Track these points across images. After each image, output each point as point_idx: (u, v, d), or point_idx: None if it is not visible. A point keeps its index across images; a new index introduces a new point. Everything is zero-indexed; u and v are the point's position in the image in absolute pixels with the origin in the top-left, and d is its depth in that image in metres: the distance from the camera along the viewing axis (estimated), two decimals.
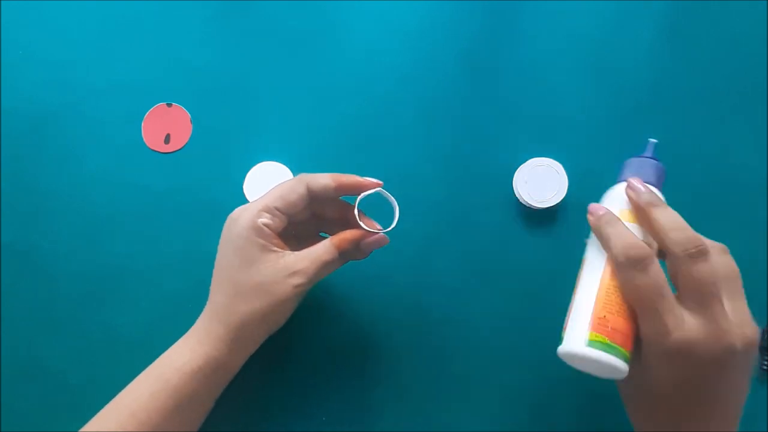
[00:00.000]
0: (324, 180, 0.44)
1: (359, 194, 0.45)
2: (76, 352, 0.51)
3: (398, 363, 0.51)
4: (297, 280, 0.42)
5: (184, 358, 0.43)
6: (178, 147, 0.54)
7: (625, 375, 0.38)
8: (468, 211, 0.53)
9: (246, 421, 0.50)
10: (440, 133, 0.55)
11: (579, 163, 0.54)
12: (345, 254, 0.44)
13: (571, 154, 0.54)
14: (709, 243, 0.38)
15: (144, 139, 0.54)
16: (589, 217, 0.41)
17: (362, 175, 0.51)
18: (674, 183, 0.55)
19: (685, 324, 0.35)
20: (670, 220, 0.38)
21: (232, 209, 0.53)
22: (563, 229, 0.54)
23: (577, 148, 0.55)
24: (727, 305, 0.36)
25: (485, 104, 0.56)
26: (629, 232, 0.38)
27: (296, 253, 0.43)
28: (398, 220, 0.50)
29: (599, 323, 0.38)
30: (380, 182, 0.45)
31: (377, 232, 0.45)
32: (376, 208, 0.47)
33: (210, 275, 0.49)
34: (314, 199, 0.44)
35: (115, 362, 0.51)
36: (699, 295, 0.35)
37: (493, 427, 0.50)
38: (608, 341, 0.37)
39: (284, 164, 0.54)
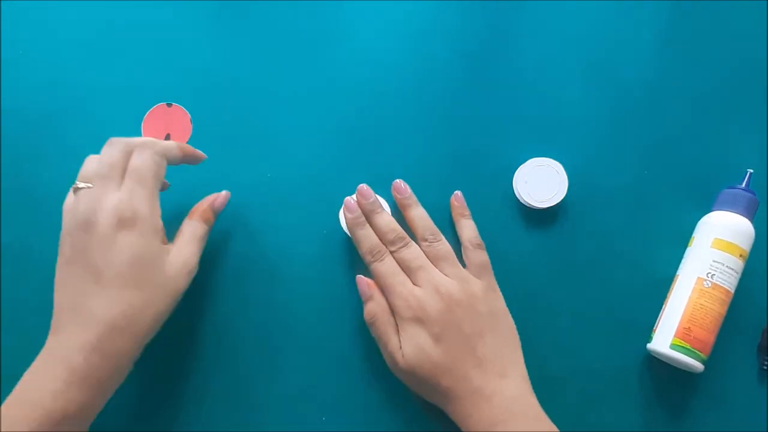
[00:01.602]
0: (174, 151, 0.46)
1: (194, 161, 0.49)
2: None
3: None
4: (189, 266, 0.45)
5: (78, 390, 0.39)
6: None
7: (699, 371, 0.48)
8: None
9: (246, 421, 0.50)
10: (440, 133, 0.55)
11: (579, 163, 0.54)
12: (211, 222, 0.49)
13: (571, 154, 0.54)
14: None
15: None
16: (346, 214, 0.49)
17: (362, 176, 0.51)
18: (674, 183, 0.55)
19: (415, 291, 0.47)
20: (418, 215, 0.50)
21: (232, 209, 0.53)
22: (563, 229, 0.54)
23: (577, 148, 0.55)
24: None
25: (485, 104, 0.56)
26: (371, 234, 0.49)
27: (176, 243, 0.45)
28: (397, 220, 0.50)
29: (684, 332, 0.48)
30: (204, 156, 0.49)
31: (221, 194, 0.50)
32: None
33: (210, 275, 0.49)
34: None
35: None
36: (412, 271, 0.47)
37: None
38: (689, 347, 0.48)
39: (283, 164, 0.54)
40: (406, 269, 0.47)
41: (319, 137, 0.55)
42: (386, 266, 0.47)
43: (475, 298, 0.46)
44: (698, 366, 0.48)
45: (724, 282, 0.48)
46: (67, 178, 0.53)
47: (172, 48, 0.56)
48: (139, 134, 0.55)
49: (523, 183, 0.53)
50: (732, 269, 0.49)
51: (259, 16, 0.57)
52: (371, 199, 0.49)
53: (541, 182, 0.53)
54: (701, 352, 0.48)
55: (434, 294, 0.45)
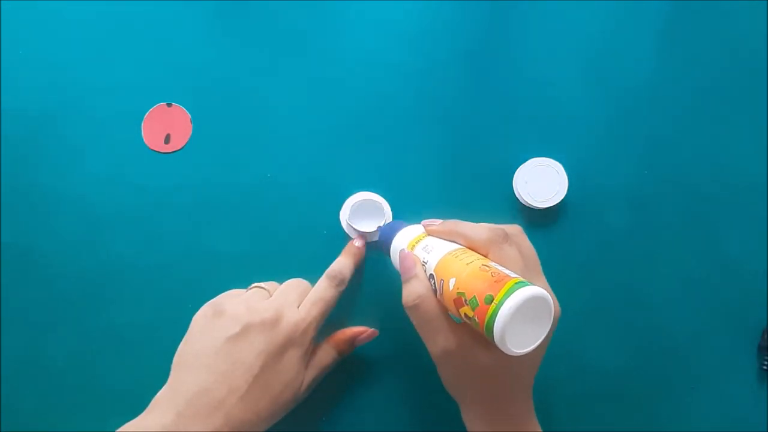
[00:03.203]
0: (348, 275, 0.48)
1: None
2: (76, 352, 0.51)
3: (398, 363, 0.51)
4: (305, 389, 0.45)
5: None
6: (178, 147, 0.54)
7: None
8: (468, 211, 0.53)
9: None
10: (440, 133, 0.55)
11: (579, 163, 0.54)
12: (342, 355, 0.48)
13: (571, 154, 0.54)
14: (507, 228, 0.43)
15: (144, 139, 0.54)
16: (429, 228, 0.45)
17: (362, 176, 0.51)
18: (674, 183, 0.55)
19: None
20: (474, 225, 0.43)
21: (232, 209, 0.53)
22: (563, 229, 0.54)
23: (577, 148, 0.55)
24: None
25: (485, 104, 0.56)
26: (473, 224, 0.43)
27: (311, 372, 0.45)
28: (399, 220, 0.50)
29: None
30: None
31: (367, 331, 0.49)
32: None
33: (210, 274, 0.49)
34: None
35: (115, 362, 0.51)
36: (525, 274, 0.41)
37: None
38: None
39: (283, 164, 0.54)
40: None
41: (319, 137, 0.55)
42: (515, 251, 0.42)
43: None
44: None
45: None
46: (67, 178, 0.54)
47: (172, 48, 0.56)
48: (139, 134, 0.54)
49: (523, 183, 0.53)
50: None
51: (258, 16, 0.57)
52: (443, 222, 0.46)
53: (541, 182, 0.53)
54: None
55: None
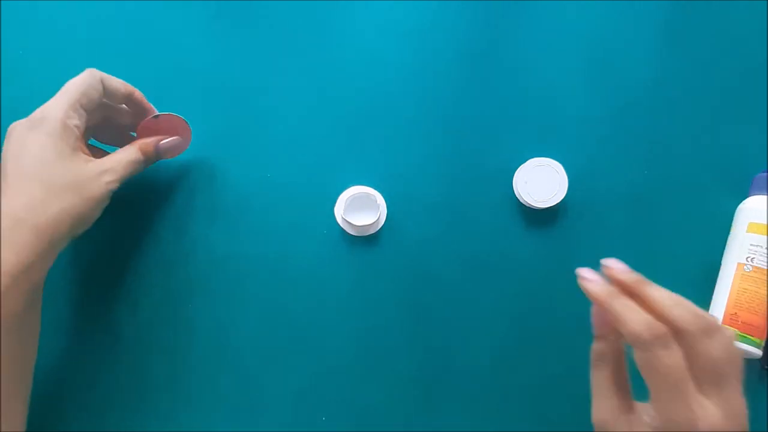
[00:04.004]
0: (116, 83, 0.46)
1: (146, 115, 0.49)
2: (76, 352, 0.51)
3: (398, 363, 0.51)
4: (109, 177, 0.44)
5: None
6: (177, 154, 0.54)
7: (758, 357, 0.48)
8: (468, 211, 0.53)
9: (246, 421, 0.50)
10: (440, 133, 0.55)
11: (579, 163, 0.54)
12: (149, 155, 0.48)
13: (571, 154, 0.54)
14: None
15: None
16: (587, 285, 0.38)
17: (362, 176, 0.51)
18: (674, 183, 0.55)
19: (709, 411, 0.34)
20: (668, 296, 0.36)
21: (231, 209, 0.53)
22: (563, 229, 0.54)
23: (577, 148, 0.55)
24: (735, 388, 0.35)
25: (485, 104, 0.55)
26: (638, 307, 0.36)
27: (104, 158, 0.45)
28: (397, 220, 0.50)
29: (731, 319, 0.49)
30: (154, 110, 0.49)
31: (172, 139, 0.50)
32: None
33: (210, 275, 0.49)
34: (107, 97, 0.47)
35: (115, 362, 0.51)
36: (716, 377, 0.34)
37: (493, 426, 0.50)
38: (739, 332, 0.48)
39: (283, 164, 0.54)
40: (702, 374, 0.34)
41: (319, 137, 0.55)
42: (675, 360, 0.34)
43: None
44: (752, 350, 0.48)
45: (764, 264, 0.49)
46: None
47: (172, 48, 0.56)
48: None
49: (523, 183, 0.53)
50: None
51: (258, 16, 0.57)
52: (628, 271, 0.38)
53: (541, 182, 0.53)
54: (753, 335, 0.48)
55: (734, 421, 0.34)
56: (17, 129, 0.43)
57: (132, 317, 0.51)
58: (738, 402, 0.34)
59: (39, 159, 0.42)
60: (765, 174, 0.52)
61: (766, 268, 0.49)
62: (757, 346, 0.48)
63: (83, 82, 0.45)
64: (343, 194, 0.52)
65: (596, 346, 0.38)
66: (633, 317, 0.35)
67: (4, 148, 0.43)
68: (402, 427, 0.50)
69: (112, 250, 0.53)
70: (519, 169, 0.53)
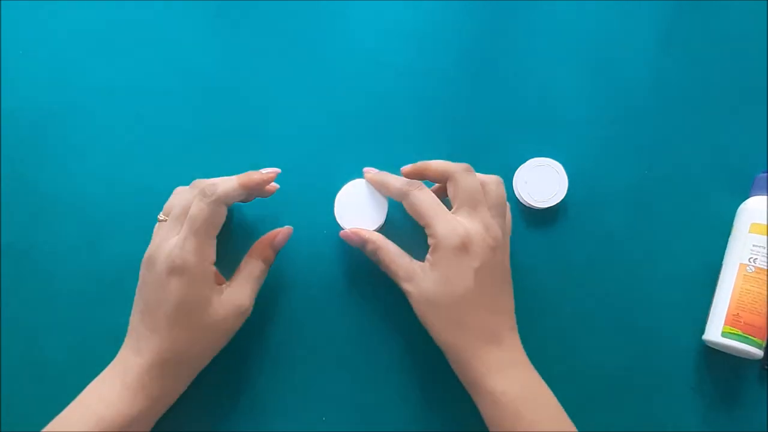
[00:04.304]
0: (234, 192, 0.46)
1: (264, 193, 0.50)
2: (76, 352, 0.51)
3: (398, 363, 0.51)
4: (244, 309, 0.46)
5: (125, 402, 0.43)
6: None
7: (758, 358, 0.49)
8: None
9: (246, 421, 0.50)
10: (440, 133, 0.55)
11: (579, 163, 0.54)
12: (267, 262, 0.49)
13: (571, 154, 0.54)
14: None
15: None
16: (366, 175, 0.49)
17: (362, 174, 0.51)
18: (674, 183, 0.55)
19: (462, 223, 0.45)
20: (439, 161, 0.48)
21: (231, 209, 0.52)
22: (563, 229, 0.54)
23: (577, 148, 0.55)
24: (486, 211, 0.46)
25: (485, 104, 0.56)
26: (398, 176, 0.48)
27: (232, 283, 0.47)
28: (397, 220, 0.50)
29: (733, 319, 0.49)
30: (277, 170, 0.49)
31: (281, 230, 0.49)
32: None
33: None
34: (230, 203, 0.47)
35: None
36: (468, 202, 0.45)
37: None
38: (741, 333, 0.48)
39: (283, 164, 0.54)
40: (457, 201, 0.46)
41: (319, 137, 0.55)
42: (428, 194, 0.46)
43: (503, 246, 0.46)
44: (754, 351, 0.48)
45: (766, 264, 0.49)
46: (67, 178, 0.54)
47: (172, 48, 0.56)
48: (139, 134, 0.54)
49: (523, 183, 0.53)
50: None
51: (258, 16, 0.57)
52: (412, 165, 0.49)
53: (541, 182, 0.53)
54: (755, 336, 0.48)
55: (483, 230, 0.44)
56: (157, 267, 0.44)
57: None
58: (487, 218, 0.45)
59: (181, 309, 0.44)
60: (766, 174, 0.52)
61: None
62: (758, 346, 0.48)
63: (209, 214, 0.44)
64: (342, 194, 0.52)
65: (368, 248, 0.48)
66: (396, 180, 0.48)
67: (144, 275, 0.45)
68: (402, 427, 0.50)
69: (112, 251, 0.53)
70: (519, 169, 0.53)
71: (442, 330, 0.45)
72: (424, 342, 0.50)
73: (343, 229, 0.50)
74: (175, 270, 0.44)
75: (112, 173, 0.54)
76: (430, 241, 0.46)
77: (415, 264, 0.46)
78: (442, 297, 0.44)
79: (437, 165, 0.48)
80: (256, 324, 0.51)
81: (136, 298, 0.46)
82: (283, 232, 0.49)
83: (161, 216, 0.47)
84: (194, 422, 0.50)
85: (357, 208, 0.50)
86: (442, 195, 0.49)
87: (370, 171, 0.50)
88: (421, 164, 0.48)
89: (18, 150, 0.54)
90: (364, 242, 0.48)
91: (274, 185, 0.50)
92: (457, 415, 0.50)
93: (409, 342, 0.51)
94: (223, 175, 0.53)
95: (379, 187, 0.49)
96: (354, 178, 0.51)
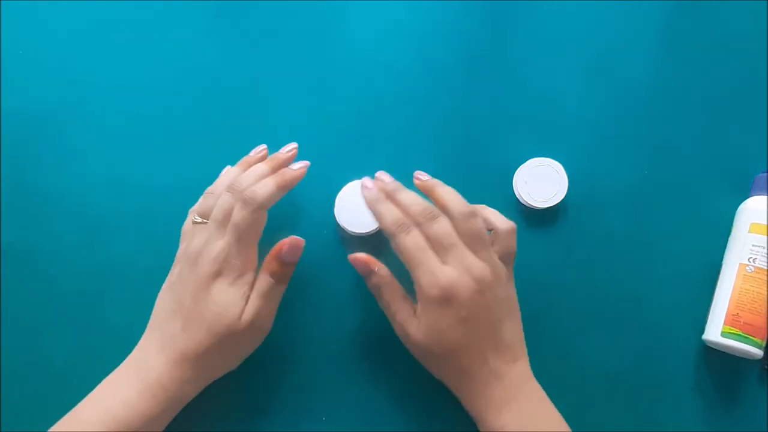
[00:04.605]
0: (275, 196, 0.45)
1: (293, 185, 0.47)
2: (76, 352, 0.51)
3: (398, 363, 0.51)
4: (259, 326, 0.46)
5: (145, 404, 0.43)
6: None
7: (758, 358, 0.49)
8: None
9: (246, 421, 0.50)
10: (440, 133, 0.55)
11: (579, 163, 0.54)
12: (277, 276, 0.46)
13: (571, 154, 0.54)
14: (456, 210, 0.45)
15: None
16: (364, 191, 0.47)
17: (362, 174, 0.51)
18: (674, 183, 0.55)
19: (446, 271, 0.43)
20: (410, 196, 0.46)
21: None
22: (563, 229, 0.54)
23: (577, 148, 0.55)
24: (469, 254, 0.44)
25: (485, 104, 0.56)
26: (393, 207, 0.46)
27: (249, 301, 0.45)
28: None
29: (732, 319, 0.49)
30: (307, 163, 0.48)
31: (286, 241, 0.47)
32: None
33: None
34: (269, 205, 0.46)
35: (115, 362, 0.50)
36: (448, 247, 0.44)
37: None
38: (741, 333, 0.48)
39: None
40: (437, 246, 0.44)
41: (319, 137, 0.55)
42: (414, 239, 0.44)
43: (501, 282, 0.45)
44: (754, 351, 0.48)
45: (766, 264, 0.49)
46: (67, 178, 0.54)
47: (172, 48, 0.56)
48: (139, 133, 0.54)
49: (523, 183, 0.53)
50: None
51: (258, 16, 0.57)
52: (391, 181, 0.47)
53: (541, 182, 0.53)
54: (754, 336, 0.48)
55: (466, 276, 0.43)
56: (204, 267, 0.44)
57: (132, 317, 0.51)
58: (472, 262, 0.43)
59: (217, 314, 0.44)
60: (765, 174, 0.52)
61: (767, 268, 0.49)
62: (758, 346, 0.48)
63: (253, 222, 0.44)
64: (342, 194, 0.52)
65: (372, 281, 0.47)
66: (387, 215, 0.45)
67: (187, 273, 0.45)
68: (402, 427, 0.50)
69: (112, 251, 0.53)
70: (519, 169, 0.53)
71: (439, 373, 0.47)
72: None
73: (343, 228, 0.50)
74: (221, 274, 0.44)
75: (112, 173, 0.54)
76: (415, 287, 0.45)
77: (412, 310, 0.46)
78: (435, 348, 0.44)
79: (441, 194, 0.46)
80: None
81: (165, 295, 0.46)
82: (287, 243, 0.47)
83: (197, 218, 0.47)
84: (194, 422, 0.50)
85: (357, 209, 0.49)
86: None
87: (367, 187, 0.47)
88: (430, 184, 0.47)
89: (18, 150, 0.54)
90: (370, 273, 0.47)
91: (304, 168, 0.48)
92: (456, 415, 0.50)
93: None
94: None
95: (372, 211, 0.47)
96: (354, 179, 0.51)
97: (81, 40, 0.56)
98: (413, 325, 0.45)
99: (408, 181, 0.52)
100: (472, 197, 0.52)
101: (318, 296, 0.52)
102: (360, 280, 0.52)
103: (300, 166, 0.48)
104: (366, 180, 0.47)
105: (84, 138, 0.54)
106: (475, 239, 0.44)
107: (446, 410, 0.50)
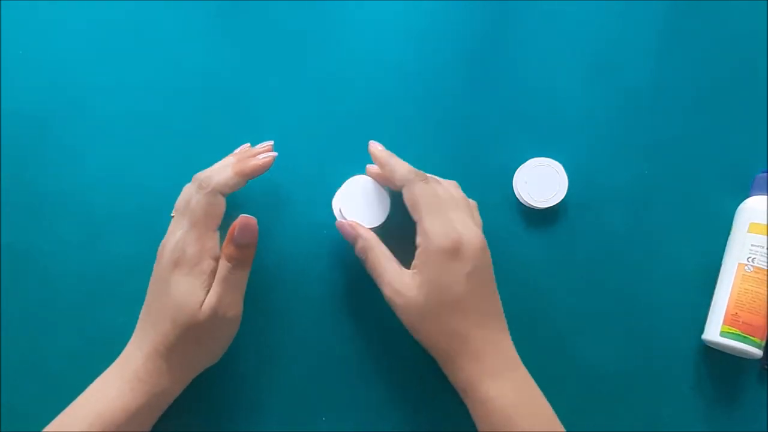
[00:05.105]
0: (231, 181, 0.46)
1: (260, 173, 0.47)
2: (76, 352, 0.51)
3: (398, 363, 0.51)
4: (221, 314, 0.44)
5: (124, 398, 0.43)
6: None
7: (757, 357, 0.49)
8: None
9: (246, 421, 0.50)
10: (440, 133, 0.55)
11: (579, 163, 0.54)
12: (234, 260, 0.44)
13: (571, 154, 0.54)
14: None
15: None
16: (373, 150, 0.48)
17: (362, 173, 0.51)
18: (674, 183, 0.55)
19: (456, 223, 0.44)
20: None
21: (231, 209, 0.53)
22: (563, 229, 0.54)
23: (577, 148, 0.55)
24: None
25: (486, 104, 0.56)
26: (405, 163, 0.47)
27: (212, 290, 0.44)
28: (398, 221, 0.50)
29: (731, 319, 0.49)
30: (274, 154, 0.48)
31: (236, 222, 0.45)
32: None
33: None
34: (228, 192, 0.46)
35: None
36: (452, 205, 0.45)
37: None
38: (739, 332, 0.48)
39: (282, 164, 0.54)
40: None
41: (319, 137, 0.55)
42: (431, 187, 0.45)
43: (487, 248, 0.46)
44: (753, 351, 0.48)
45: (765, 264, 0.49)
46: (67, 178, 0.54)
47: (172, 48, 0.56)
48: (139, 133, 0.54)
49: (523, 183, 0.53)
50: None
51: (258, 16, 0.57)
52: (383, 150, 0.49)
53: (541, 182, 0.53)
54: (754, 336, 0.48)
55: (473, 231, 0.44)
56: (163, 261, 0.45)
57: (132, 317, 0.51)
58: (474, 222, 0.46)
59: (175, 305, 0.43)
60: (765, 174, 0.52)
61: (766, 268, 0.49)
62: (757, 346, 0.48)
63: (207, 205, 0.45)
64: (342, 191, 0.51)
65: (358, 245, 0.47)
66: (402, 165, 0.46)
67: (154, 269, 0.46)
68: (401, 427, 0.50)
69: (112, 251, 0.53)
70: (519, 169, 0.53)
71: (431, 338, 0.45)
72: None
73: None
74: (176, 263, 0.44)
75: (112, 173, 0.54)
76: (418, 240, 0.44)
77: (404, 272, 0.45)
78: (432, 305, 0.43)
79: (395, 167, 0.46)
80: (256, 324, 0.51)
81: (147, 293, 0.47)
82: (237, 224, 0.44)
83: (172, 213, 0.47)
84: (194, 422, 0.50)
85: (357, 206, 0.49)
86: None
87: (376, 147, 0.48)
88: (385, 157, 0.47)
89: (18, 150, 0.54)
90: (356, 237, 0.47)
91: (270, 158, 0.48)
92: (456, 415, 0.50)
93: (408, 342, 0.51)
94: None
95: (382, 167, 0.47)
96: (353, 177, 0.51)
97: (81, 40, 0.56)
98: (406, 282, 0.44)
99: None
100: (472, 197, 0.53)
101: (318, 296, 0.52)
102: (360, 280, 0.52)
103: (264, 156, 0.47)
104: (372, 142, 0.48)
105: (84, 138, 0.54)
106: (470, 205, 0.48)
107: (446, 410, 0.50)
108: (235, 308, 0.45)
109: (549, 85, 0.56)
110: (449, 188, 0.47)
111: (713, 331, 0.49)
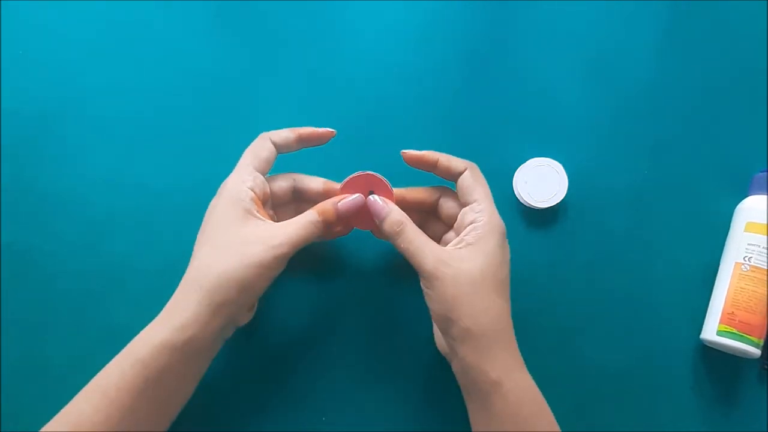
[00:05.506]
0: (284, 133, 0.47)
1: (319, 143, 0.48)
2: (76, 352, 0.51)
3: (398, 363, 0.51)
4: (277, 245, 0.42)
5: (154, 332, 0.42)
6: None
7: (755, 357, 0.49)
8: None
9: (246, 421, 0.50)
10: (440, 133, 0.55)
11: (579, 163, 0.54)
12: (328, 222, 0.45)
13: (571, 154, 0.54)
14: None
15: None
16: (414, 153, 0.47)
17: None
18: (674, 183, 0.55)
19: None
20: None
21: None
22: (563, 229, 0.54)
23: (577, 148, 0.55)
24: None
25: (486, 104, 0.56)
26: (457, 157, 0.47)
27: (280, 222, 0.44)
28: None
29: (728, 318, 0.49)
30: (333, 131, 0.48)
31: (352, 196, 0.46)
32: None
33: None
34: (280, 152, 0.47)
35: None
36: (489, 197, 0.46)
37: None
38: (736, 331, 0.48)
39: (282, 164, 0.54)
40: None
41: None
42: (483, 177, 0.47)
43: None
44: (751, 350, 0.48)
45: (762, 263, 0.49)
46: (67, 178, 0.54)
47: (172, 48, 0.56)
48: (139, 133, 0.54)
49: (523, 183, 0.53)
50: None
51: (258, 16, 0.57)
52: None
53: (541, 182, 0.53)
54: (751, 335, 0.49)
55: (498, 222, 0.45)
56: (219, 189, 0.46)
57: (132, 317, 0.51)
58: None
59: (213, 224, 0.44)
60: (764, 174, 0.52)
61: (763, 267, 0.49)
62: (755, 345, 0.48)
63: (252, 145, 0.47)
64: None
65: (393, 217, 0.45)
66: (455, 161, 0.46)
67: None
68: (402, 427, 0.50)
69: (112, 251, 0.53)
70: (519, 169, 0.53)
71: (473, 314, 0.41)
72: (424, 342, 0.50)
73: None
74: (218, 194, 0.45)
75: (112, 173, 0.54)
76: (473, 216, 0.44)
77: (446, 248, 0.44)
78: (487, 277, 0.42)
79: (448, 156, 0.46)
80: (256, 324, 0.51)
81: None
82: (354, 198, 0.46)
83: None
84: (194, 422, 0.50)
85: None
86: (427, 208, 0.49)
87: (413, 151, 0.47)
88: (429, 155, 0.46)
89: (18, 150, 0.54)
90: (389, 212, 0.45)
91: (328, 131, 0.49)
92: (456, 415, 0.50)
93: (409, 342, 0.51)
94: (224, 174, 0.53)
95: (434, 160, 0.47)
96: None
97: (81, 40, 0.56)
98: (454, 254, 0.43)
99: (409, 183, 0.52)
100: None
101: (318, 296, 0.52)
102: (361, 280, 0.52)
103: (324, 129, 0.48)
104: (406, 151, 0.47)
105: (84, 138, 0.54)
106: None
107: (446, 410, 0.50)
108: (289, 249, 0.43)
109: (549, 85, 0.56)
110: (484, 182, 0.48)
111: (710, 330, 0.50)
